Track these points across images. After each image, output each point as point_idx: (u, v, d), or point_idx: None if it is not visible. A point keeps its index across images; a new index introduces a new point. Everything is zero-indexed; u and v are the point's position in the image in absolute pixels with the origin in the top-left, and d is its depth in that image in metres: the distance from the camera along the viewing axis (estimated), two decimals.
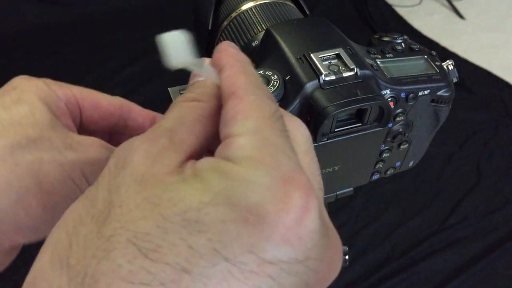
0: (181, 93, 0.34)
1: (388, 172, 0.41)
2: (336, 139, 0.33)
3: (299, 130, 0.21)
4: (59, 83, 0.28)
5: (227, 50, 0.21)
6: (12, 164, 0.23)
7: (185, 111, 0.20)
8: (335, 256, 0.19)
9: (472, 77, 1.34)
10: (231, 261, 0.16)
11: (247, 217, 0.16)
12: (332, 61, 0.32)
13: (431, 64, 0.37)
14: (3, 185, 0.23)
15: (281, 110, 0.21)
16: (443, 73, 0.36)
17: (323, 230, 0.18)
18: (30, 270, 0.18)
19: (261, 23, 0.39)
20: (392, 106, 0.35)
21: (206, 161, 0.18)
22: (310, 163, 0.21)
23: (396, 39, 0.38)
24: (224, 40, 0.41)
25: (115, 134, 0.30)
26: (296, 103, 0.31)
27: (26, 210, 0.23)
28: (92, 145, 0.25)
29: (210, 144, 0.20)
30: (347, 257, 0.54)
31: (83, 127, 0.29)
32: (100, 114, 0.29)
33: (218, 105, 0.20)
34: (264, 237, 0.16)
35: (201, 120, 0.20)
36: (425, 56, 0.37)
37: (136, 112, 0.30)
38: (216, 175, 0.17)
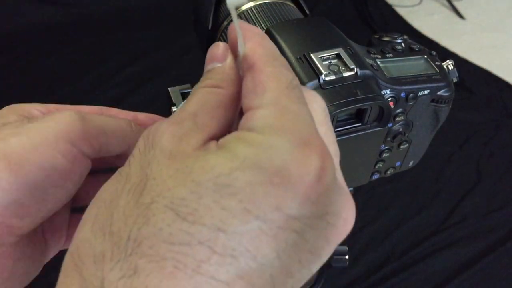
0: (181, 93, 0.34)
1: (388, 172, 0.41)
2: (336, 139, 0.33)
3: (315, 102, 0.23)
4: (38, 105, 0.29)
5: (243, 26, 0.23)
6: None
7: (207, 97, 0.22)
8: (350, 212, 0.21)
9: (472, 77, 1.34)
10: (261, 218, 0.17)
11: (272, 179, 0.18)
12: (332, 61, 0.32)
13: (431, 64, 0.37)
14: None
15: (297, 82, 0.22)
16: (443, 73, 0.36)
17: (338, 188, 0.20)
18: (72, 242, 0.19)
19: (261, 23, 0.39)
20: (392, 106, 0.35)
21: (229, 135, 0.20)
22: (326, 131, 0.23)
23: (396, 39, 0.38)
24: (224, 40, 0.41)
25: None
26: None
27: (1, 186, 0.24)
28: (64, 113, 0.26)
29: (229, 128, 0.22)
30: (347, 257, 0.54)
31: None
32: None
33: (236, 91, 0.22)
34: (289, 196, 0.18)
35: (221, 106, 0.21)
36: (425, 56, 0.37)
37: (115, 114, 0.31)
38: (241, 144, 0.19)
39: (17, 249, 0.25)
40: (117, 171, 0.20)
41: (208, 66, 0.24)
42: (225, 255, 0.17)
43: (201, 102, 0.21)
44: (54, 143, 0.25)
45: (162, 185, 0.18)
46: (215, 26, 0.42)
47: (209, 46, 0.44)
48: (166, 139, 0.19)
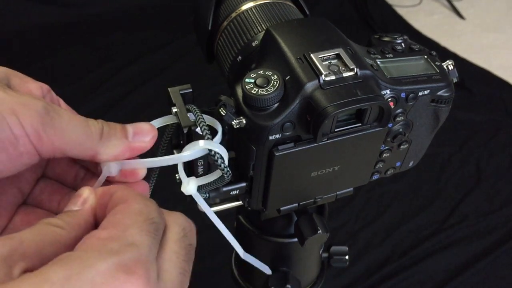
0: (181, 93, 0.33)
1: (388, 172, 0.41)
2: (336, 139, 0.33)
3: (176, 222, 0.24)
4: None
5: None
6: None
7: (45, 232, 0.22)
8: None
9: (472, 77, 1.34)
10: None
11: None
12: (332, 61, 0.32)
13: (431, 64, 0.37)
14: None
15: (165, 211, 0.24)
16: (443, 73, 0.36)
17: None
18: None
19: (261, 23, 0.39)
20: (392, 106, 0.35)
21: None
22: (178, 249, 0.23)
23: (396, 39, 0.38)
24: (223, 40, 0.41)
25: None
26: (296, 103, 0.30)
27: None
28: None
29: None
30: (347, 257, 0.54)
31: None
32: None
33: (77, 236, 0.23)
34: None
35: (54, 245, 0.22)
36: (425, 56, 0.37)
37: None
38: (56, 266, 0.19)
39: None
40: None
41: (66, 208, 0.25)
42: None
43: (36, 234, 0.22)
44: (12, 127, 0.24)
45: None
46: (215, 26, 0.42)
47: (209, 46, 0.44)
48: None
